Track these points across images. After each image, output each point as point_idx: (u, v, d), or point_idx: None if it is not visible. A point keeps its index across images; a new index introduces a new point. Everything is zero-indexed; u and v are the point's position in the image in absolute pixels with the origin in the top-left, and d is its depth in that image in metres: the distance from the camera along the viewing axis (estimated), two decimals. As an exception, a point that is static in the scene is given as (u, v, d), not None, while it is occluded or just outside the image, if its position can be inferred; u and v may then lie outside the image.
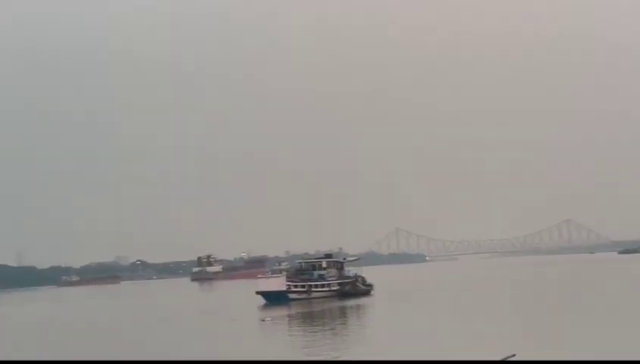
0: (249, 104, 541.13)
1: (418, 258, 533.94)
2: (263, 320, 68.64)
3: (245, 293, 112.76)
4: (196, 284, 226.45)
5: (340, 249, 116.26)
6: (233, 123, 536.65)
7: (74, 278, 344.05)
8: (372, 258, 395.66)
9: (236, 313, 78.90)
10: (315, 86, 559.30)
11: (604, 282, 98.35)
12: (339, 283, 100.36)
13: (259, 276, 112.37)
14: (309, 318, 72.46)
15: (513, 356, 11.02)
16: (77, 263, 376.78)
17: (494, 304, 71.37)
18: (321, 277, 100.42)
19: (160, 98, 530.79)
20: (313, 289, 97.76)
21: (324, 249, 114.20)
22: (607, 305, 62.01)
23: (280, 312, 78.62)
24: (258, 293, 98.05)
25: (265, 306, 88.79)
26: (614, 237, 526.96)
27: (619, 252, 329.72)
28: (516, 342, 30.17)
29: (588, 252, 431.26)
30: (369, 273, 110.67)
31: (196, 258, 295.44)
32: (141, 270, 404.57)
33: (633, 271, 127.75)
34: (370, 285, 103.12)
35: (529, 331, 43.49)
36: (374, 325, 61.36)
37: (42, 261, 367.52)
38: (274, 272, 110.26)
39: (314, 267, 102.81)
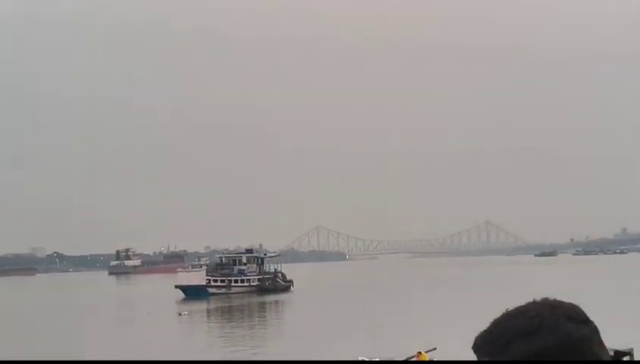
0: (174, 99, 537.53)
1: (338, 257, 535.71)
2: (180, 314, 67.40)
3: (164, 287, 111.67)
4: (113, 278, 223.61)
5: (261, 245, 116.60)
6: (151, 117, 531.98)
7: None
8: (292, 256, 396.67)
9: (154, 307, 77.56)
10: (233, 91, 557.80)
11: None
12: (259, 279, 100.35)
13: (179, 270, 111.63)
14: (227, 313, 72.13)
15: (434, 349, 10.91)
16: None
17: (409, 302, 71.61)
18: (242, 273, 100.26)
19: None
20: (233, 284, 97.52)
21: (245, 245, 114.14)
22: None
23: (199, 306, 77.98)
24: (177, 287, 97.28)
25: (184, 300, 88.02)
26: (532, 241, 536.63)
27: (536, 255, 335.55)
28: (431, 338, 30.28)
29: (505, 255, 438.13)
30: (289, 270, 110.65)
31: (114, 252, 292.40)
32: (58, 262, 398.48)
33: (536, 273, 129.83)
34: (290, 281, 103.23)
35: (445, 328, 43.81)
36: (293, 321, 61.27)
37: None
38: (194, 267, 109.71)
39: (234, 262, 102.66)
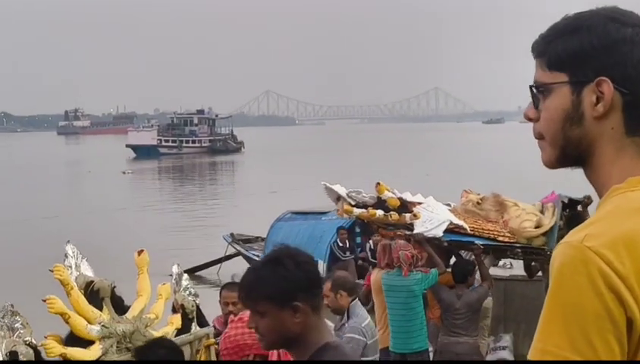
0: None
1: (287, 121, 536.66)
2: (124, 172, 66.19)
3: (114, 147, 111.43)
4: (62, 138, 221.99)
5: (210, 108, 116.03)
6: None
7: None
8: (242, 120, 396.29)
9: (104, 166, 75.95)
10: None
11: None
12: (210, 140, 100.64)
13: (130, 130, 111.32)
14: (178, 172, 72.51)
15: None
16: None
17: (364, 162, 72.16)
18: (193, 133, 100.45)
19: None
20: (184, 144, 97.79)
21: (193, 108, 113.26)
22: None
23: (150, 164, 78.16)
24: (128, 146, 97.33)
25: (135, 159, 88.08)
26: (480, 108, 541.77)
27: (484, 122, 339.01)
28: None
29: (454, 121, 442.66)
30: (238, 134, 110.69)
31: (62, 112, 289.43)
32: (5, 122, 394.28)
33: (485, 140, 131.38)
34: (241, 143, 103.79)
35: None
36: (244, 179, 61.87)
37: None
38: (144, 128, 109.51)
39: (185, 123, 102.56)
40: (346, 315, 7.28)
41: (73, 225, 30.30)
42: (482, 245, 9.69)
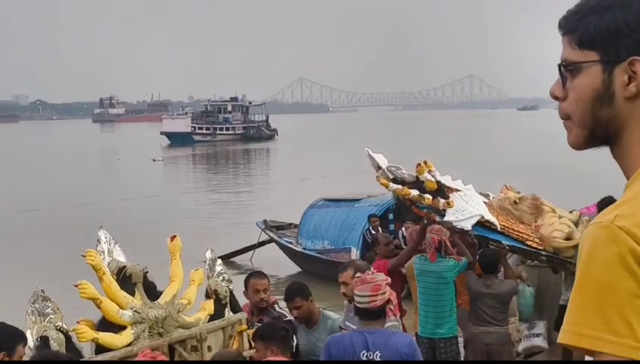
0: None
1: (321, 109, 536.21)
2: (154, 160, 65.42)
3: (149, 134, 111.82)
4: (97, 126, 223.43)
5: (244, 96, 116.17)
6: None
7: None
8: (275, 107, 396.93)
9: (135, 153, 75.48)
10: None
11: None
12: (244, 127, 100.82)
13: (164, 117, 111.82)
14: (211, 159, 72.59)
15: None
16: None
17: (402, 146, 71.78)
18: (227, 121, 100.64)
19: None
20: (218, 132, 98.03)
21: (227, 96, 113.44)
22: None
23: (183, 152, 78.35)
24: (162, 133, 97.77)
25: (169, 147, 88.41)
26: (514, 94, 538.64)
27: (518, 109, 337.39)
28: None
29: (489, 108, 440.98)
30: (272, 121, 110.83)
31: (97, 100, 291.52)
32: (41, 110, 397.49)
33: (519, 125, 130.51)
34: (274, 130, 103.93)
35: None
36: (277, 166, 61.87)
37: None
38: (179, 115, 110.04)
39: (219, 110, 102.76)
40: None
41: (106, 212, 30.36)
42: (508, 245, 9.57)
